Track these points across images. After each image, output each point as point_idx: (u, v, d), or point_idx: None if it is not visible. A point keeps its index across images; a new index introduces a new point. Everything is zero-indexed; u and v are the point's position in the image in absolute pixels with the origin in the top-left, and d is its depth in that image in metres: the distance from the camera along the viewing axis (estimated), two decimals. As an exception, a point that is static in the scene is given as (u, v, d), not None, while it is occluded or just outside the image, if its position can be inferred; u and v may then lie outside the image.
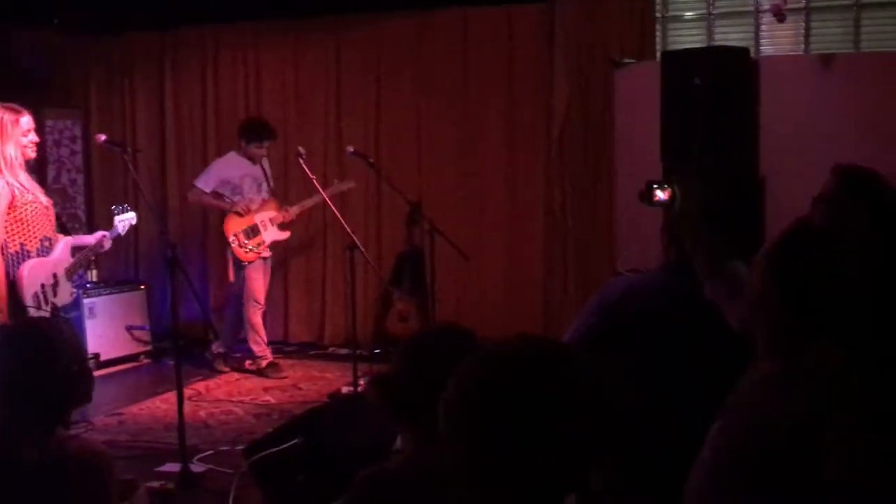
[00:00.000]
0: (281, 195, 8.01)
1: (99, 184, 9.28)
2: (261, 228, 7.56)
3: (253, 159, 7.57)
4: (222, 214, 7.59)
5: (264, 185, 7.65)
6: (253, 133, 7.53)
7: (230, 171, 7.56)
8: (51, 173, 8.83)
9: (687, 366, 3.11)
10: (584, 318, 3.29)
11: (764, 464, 2.02)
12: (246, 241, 7.49)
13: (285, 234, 7.73)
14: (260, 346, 7.67)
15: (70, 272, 5.29)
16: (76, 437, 2.60)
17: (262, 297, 7.63)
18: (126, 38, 9.15)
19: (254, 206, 7.55)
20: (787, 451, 2.00)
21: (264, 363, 7.66)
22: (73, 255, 5.36)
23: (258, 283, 7.59)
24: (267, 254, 7.64)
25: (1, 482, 2.44)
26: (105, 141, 5.66)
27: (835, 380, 2.06)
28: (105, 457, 2.55)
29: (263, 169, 7.68)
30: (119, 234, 5.56)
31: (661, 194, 3.07)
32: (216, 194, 7.56)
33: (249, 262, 7.52)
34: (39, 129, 8.67)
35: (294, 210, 7.63)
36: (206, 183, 7.56)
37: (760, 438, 2.04)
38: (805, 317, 2.10)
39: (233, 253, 7.51)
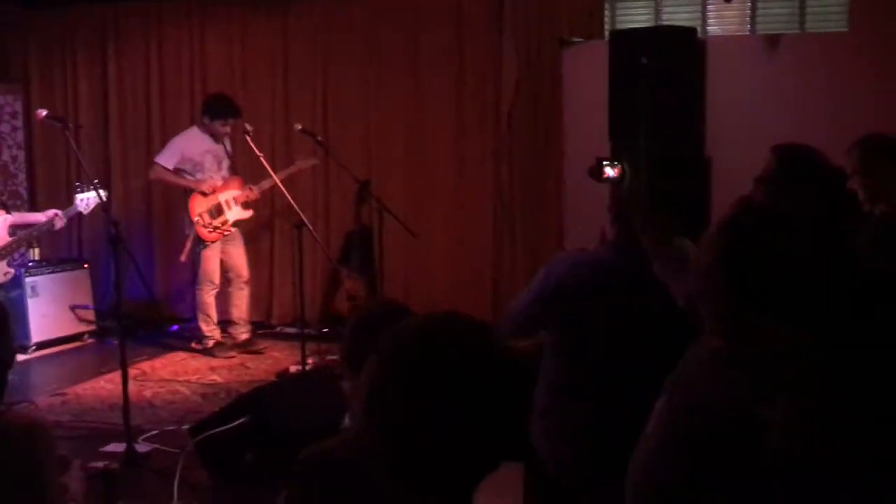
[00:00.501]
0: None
1: (41, 160, 9.12)
2: (224, 207, 7.42)
3: (216, 136, 7.42)
4: (185, 193, 7.42)
5: (225, 163, 7.50)
6: (218, 110, 7.37)
7: (192, 147, 7.41)
8: (-9, 150, 8.67)
9: (630, 340, 3.15)
10: (529, 293, 3.32)
11: (709, 443, 2.03)
12: (210, 221, 7.35)
13: (248, 213, 7.56)
14: (209, 325, 7.59)
15: (5, 251, 5.16)
16: (13, 410, 2.56)
17: (216, 277, 7.52)
18: (68, 11, 8.96)
19: (218, 185, 7.42)
20: (731, 431, 2.01)
21: (211, 343, 7.59)
22: (14, 233, 5.24)
23: (212, 262, 7.48)
24: (229, 232, 7.49)
25: None
26: (46, 116, 5.55)
27: (779, 361, 2.07)
28: (44, 428, 2.51)
29: (225, 146, 7.53)
30: (80, 213, 5.43)
31: (610, 171, 3.10)
32: (177, 171, 7.42)
33: (212, 242, 7.40)
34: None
35: (258, 188, 7.45)
36: (168, 159, 7.41)
37: (705, 417, 2.05)
38: (750, 297, 2.10)
39: (195, 233, 7.36)
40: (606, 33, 7.29)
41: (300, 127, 7.19)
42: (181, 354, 7.66)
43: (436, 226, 7.97)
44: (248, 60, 8.51)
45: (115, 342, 7.62)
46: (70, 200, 6.27)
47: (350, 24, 8.17)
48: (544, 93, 7.55)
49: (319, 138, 7.30)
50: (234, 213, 7.48)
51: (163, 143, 8.78)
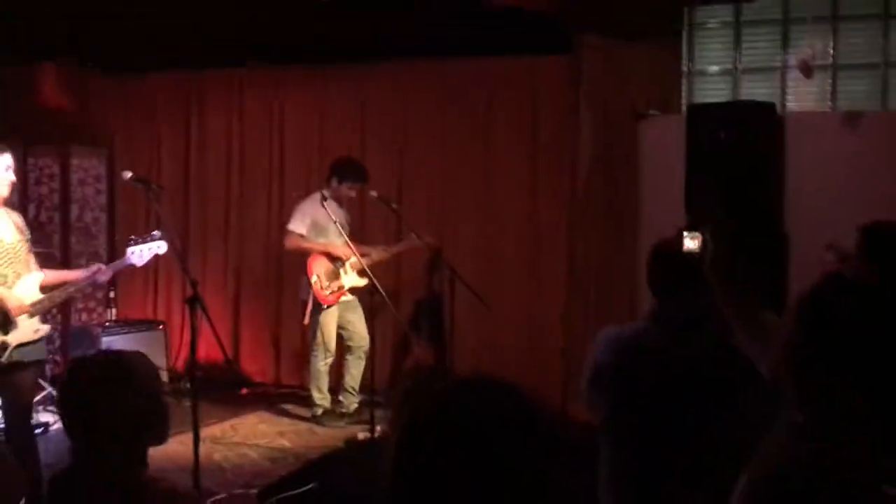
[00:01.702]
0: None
1: (122, 222, 9.33)
2: (341, 272, 7.40)
3: (340, 200, 7.32)
4: (302, 256, 7.35)
5: (346, 229, 7.12)
6: (348, 174, 7.29)
7: (320, 212, 7.16)
8: (74, 212, 8.89)
9: (658, 413, 3.08)
10: (584, 369, 3.30)
11: None
12: (328, 284, 7.32)
13: (363, 281, 7.17)
14: (321, 393, 7.52)
15: (37, 308, 5.24)
16: (163, 479, 2.50)
17: (332, 345, 7.44)
18: (153, 79, 9.25)
19: (351, 250, 7.08)
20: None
21: (320, 411, 7.51)
22: (47, 291, 5.33)
23: (330, 330, 7.40)
24: (346, 298, 7.44)
25: None
26: (131, 178, 5.67)
27: (861, 434, 2.02)
28: (195, 499, 2.47)
29: (344, 213, 7.37)
30: (132, 265, 5.49)
31: (690, 243, 3.06)
32: (301, 236, 7.38)
33: (328, 306, 7.37)
34: (64, 168, 8.81)
35: (374, 256, 7.28)
36: (301, 226, 7.33)
37: (787, 493, 2.00)
38: (834, 370, 2.06)
39: (313, 295, 7.33)
40: (684, 107, 7.28)
41: (375, 194, 7.25)
42: (251, 418, 7.69)
43: (507, 295, 7.94)
44: (326, 129, 8.66)
45: (187, 403, 7.75)
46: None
47: (426, 92, 8.29)
48: (619, 165, 7.53)
49: (394, 205, 7.35)
50: (351, 279, 7.38)
51: (240, 207, 8.98)
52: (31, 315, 5.17)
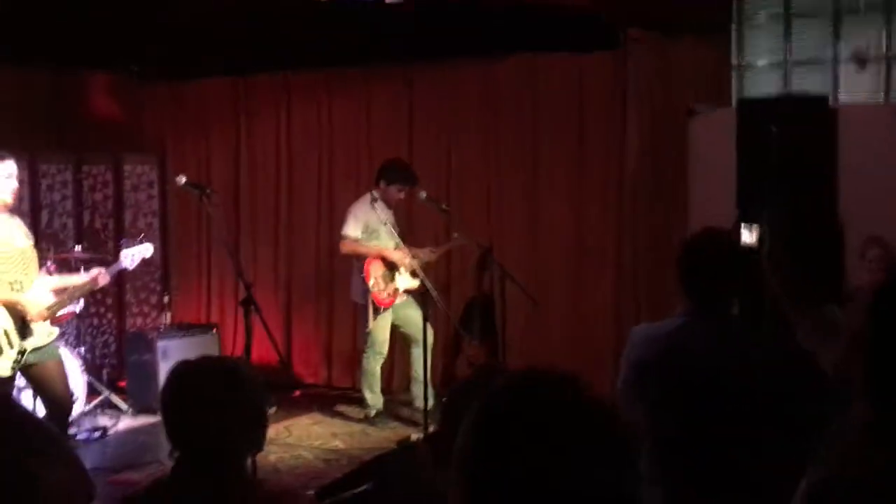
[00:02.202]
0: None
1: (174, 227, 9.45)
2: (396, 275, 7.41)
3: (388, 202, 7.35)
4: (358, 260, 7.38)
5: (396, 231, 7.29)
6: (397, 176, 7.34)
7: (371, 215, 7.31)
8: (128, 218, 9.03)
9: (690, 407, 3.07)
10: (622, 367, 3.32)
11: None
12: (384, 286, 7.33)
13: (416, 282, 7.28)
14: (373, 394, 7.56)
15: (52, 311, 5.35)
16: (267, 481, 2.50)
17: (385, 347, 7.49)
18: (202, 85, 9.35)
19: (406, 252, 7.30)
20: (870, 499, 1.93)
21: (374, 412, 7.54)
22: (57, 296, 5.44)
23: (384, 332, 7.45)
24: (401, 300, 7.47)
25: None
26: (185, 183, 5.75)
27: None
28: (305, 497, 2.47)
29: (391, 214, 7.40)
30: (125, 268, 5.64)
31: (748, 236, 3.04)
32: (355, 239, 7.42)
33: (384, 308, 7.39)
34: (117, 174, 8.94)
35: (423, 258, 7.33)
36: (354, 230, 7.36)
37: (856, 496, 1.97)
38: None
39: (372, 298, 7.34)
40: (734, 101, 7.21)
41: (425, 195, 7.26)
42: (304, 419, 7.74)
43: (556, 294, 7.92)
44: (374, 130, 8.70)
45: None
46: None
47: (472, 92, 8.29)
48: (669, 161, 7.48)
49: (444, 206, 7.36)
50: (405, 281, 7.41)
51: (290, 210, 9.04)
52: (46, 319, 5.29)
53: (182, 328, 8.51)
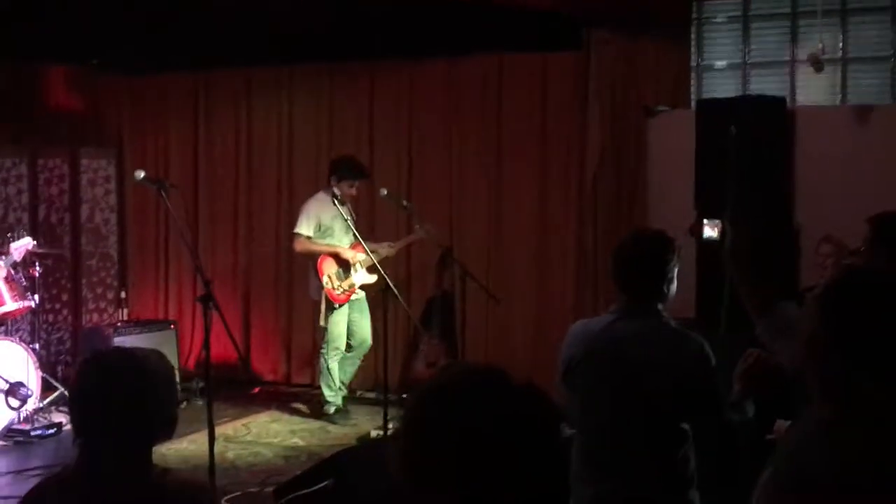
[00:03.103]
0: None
1: (132, 223, 9.36)
2: (351, 270, 7.41)
3: (343, 197, 7.26)
4: (312, 257, 7.40)
5: (351, 227, 7.13)
6: (347, 170, 7.30)
7: (324, 212, 7.33)
8: (84, 213, 8.91)
9: (608, 400, 3.22)
10: (558, 364, 3.43)
11: None
12: (338, 283, 7.33)
13: (373, 278, 7.27)
14: (332, 391, 7.55)
15: None
16: (173, 471, 2.50)
17: (342, 342, 7.49)
18: (161, 79, 9.26)
19: (360, 250, 7.22)
20: (841, 500, 1.95)
21: (332, 409, 7.53)
22: None
23: (340, 327, 7.44)
24: (356, 296, 7.48)
25: None
26: (144, 178, 5.70)
27: (890, 426, 2.02)
28: (208, 489, 2.47)
29: (350, 210, 7.31)
30: (15, 261, 5.73)
31: (710, 231, 3.08)
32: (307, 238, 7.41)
33: (339, 305, 7.38)
34: (74, 168, 8.84)
35: (382, 253, 7.27)
36: (307, 228, 7.36)
37: (813, 490, 2.00)
38: (858, 361, 2.06)
39: (326, 295, 7.37)
40: (693, 102, 7.28)
41: (385, 192, 7.25)
42: (263, 416, 7.71)
43: (517, 293, 7.94)
44: (335, 127, 8.66)
45: (200, 402, 7.76)
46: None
47: (435, 90, 8.29)
48: (629, 160, 7.53)
49: (405, 203, 7.34)
50: (360, 277, 7.41)
51: (249, 207, 8.99)
52: None
53: (139, 324, 8.42)
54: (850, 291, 2.12)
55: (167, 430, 2.47)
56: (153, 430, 2.42)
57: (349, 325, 7.52)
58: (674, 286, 3.26)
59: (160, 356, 2.52)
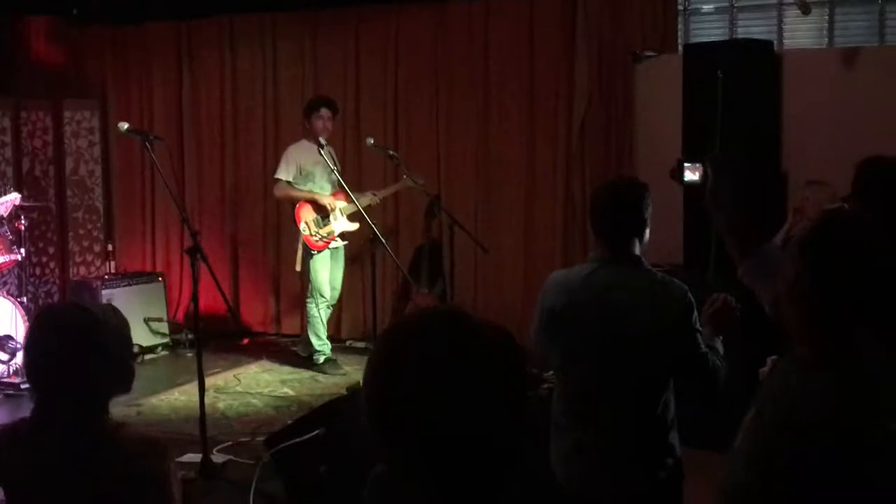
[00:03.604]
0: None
1: (117, 174, 9.30)
2: (331, 218, 7.40)
3: (319, 134, 7.17)
4: (291, 203, 7.42)
5: (333, 174, 7.10)
6: (311, 103, 7.41)
7: (305, 157, 7.33)
8: (69, 165, 8.85)
9: (591, 349, 3.22)
10: (534, 322, 3.44)
11: (801, 455, 1.99)
12: (316, 230, 7.33)
13: (354, 226, 7.41)
14: (320, 340, 7.56)
15: None
16: (127, 425, 2.52)
17: (326, 290, 7.49)
18: (143, 29, 9.15)
19: (340, 198, 7.35)
20: (823, 442, 1.97)
21: (322, 359, 7.54)
22: None
23: (322, 275, 7.44)
24: (336, 244, 7.50)
25: (55, 475, 2.36)
26: (128, 129, 5.65)
27: (871, 368, 2.04)
28: (162, 443, 2.49)
29: (333, 157, 7.25)
30: (1, 216, 5.69)
31: (691, 175, 3.07)
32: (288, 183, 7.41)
33: (318, 251, 7.38)
34: (57, 120, 8.76)
35: (363, 202, 7.09)
36: (287, 172, 7.36)
37: (796, 428, 2.01)
38: (839, 304, 2.08)
39: (303, 241, 7.37)
40: (680, 47, 7.23)
41: (372, 141, 7.20)
42: (253, 367, 7.73)
43: (506, 239, 7.94)
44: (320, 75, 8.59)
45: (189, 354, 7.79)
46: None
47: (420, 38, 8.21)
48: (616, 106, 7.50)
49: (392, 152, 7.30)
50: (341, 224, 7.41)
51: (235, 157, 8.94)
52: None
53: (127, 277, 8.41)
54: (831, 237, 2.13)
55: (123, 385, 2.50)
56: (105, 385, 2.44)
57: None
58: (648, 231, 3.28)
59: (113, 310, 2.55)
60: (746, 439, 2.15)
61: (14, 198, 5.92)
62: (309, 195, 7.36)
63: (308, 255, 7.39)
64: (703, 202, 3.03)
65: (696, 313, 3.21)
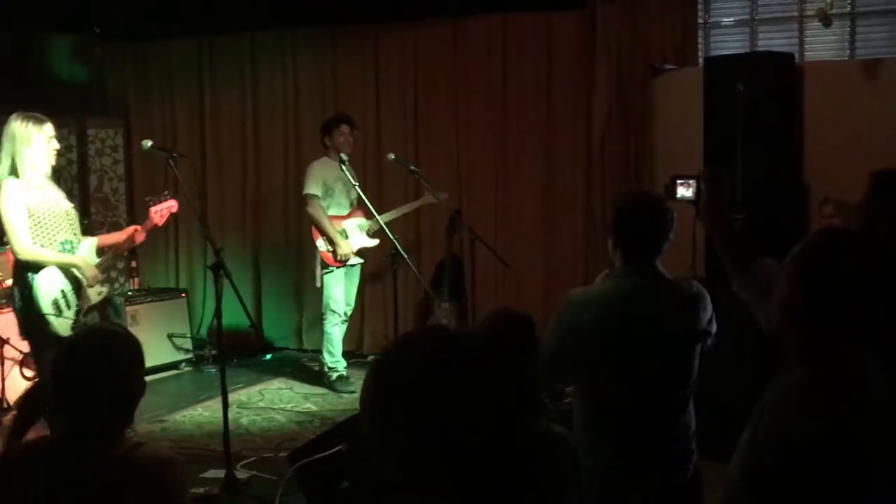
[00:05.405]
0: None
1: (140, 192, 9.35)
2: (349, 234, 7.43)
3: (340, 149, 7.23)
4: (317, 224, 7.35)
5: (353, 191, 7.16)
6: (332, 120, 7.44)
7: (327, 173, 7.33)
8: (93, 182, 8.93)
9: (639, 374, 3.18)
10: (548, 332, 3.32)
11: (796, 474, 1.98)
12: (332, 247, 7.31)
13: (374, 242, 7.44)
14: (333, 357, 7.54)
15: (99, 270, 5.31)
16: (146, 444, 2.55)
17: (340, 306, 7.49)
18: (165, 46, 9.23)
19: (353, 217, 7.45)
20: (818, 461, 1.96)
21: (334, 376, 7.53)
22: (101, 254, 5.38)
23: (336, 291, 7.43)
24: (354, 261, 7.50)
25: (72, 494, 2.38)
26: (151, 146, 5.69)
27: (864, 385, 2.03)
28: (179, 462, 2.52)
29: (351, 174, 7.09)
30: (156, 225, 5.58)
31: (683, 191, 3.03)
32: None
33: (335, 268, 7.38)
34: (81, 139, 8.82)
35: (383, 218, 7.04)
36: (316, 186, 7.33)
37: (790, 447, 2.01)
38: (831, 321, 2.08)
39: (320, 257, 7.38)
40: (700, 60, 7.22)
41: (393, 156, 7.22)
42: (276, 382, 7.75)
43: (526, 254, 7.94)
44: (340, 91, 8.63)
45: (212, 370, 7.82)
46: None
47: (440, 53, 8.24)
48: (636, 120, 7.49)
49: (413, 167, 7.32)
50: (359, 241, 7.43)
51: (257, 172, 8.98)
52: (97, 277, 5.25)
53: (151, 293, 8.47)
54: (825, 255, 2.12)
55: (132, 410, 2.54)
56: (126, 405, 2.49)
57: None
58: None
59: (131, 335, 2.59)
60: (742, 457, 2.14)
61: (171, 205, 5.64)
62: (329, 225, 7.30)
63: (323, 271, 7.40)
64: (697, 218, 3.01)
65: (708, 302, 3.30)
